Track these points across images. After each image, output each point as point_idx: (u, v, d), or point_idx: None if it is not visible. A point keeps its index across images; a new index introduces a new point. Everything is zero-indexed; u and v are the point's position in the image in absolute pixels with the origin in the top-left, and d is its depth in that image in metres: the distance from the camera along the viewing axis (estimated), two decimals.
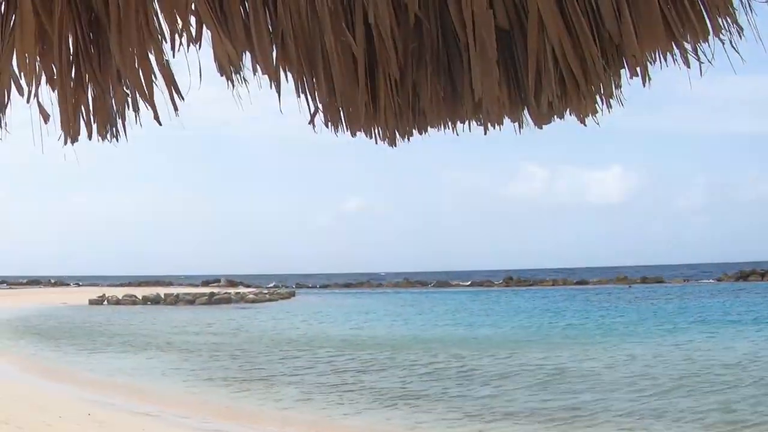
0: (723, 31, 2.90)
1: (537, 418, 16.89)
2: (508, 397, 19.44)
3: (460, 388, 21.02)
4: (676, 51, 3.01)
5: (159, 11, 3.08)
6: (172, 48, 3.15)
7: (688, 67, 3.01)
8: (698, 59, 2.99)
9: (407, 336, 37.46)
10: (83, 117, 3.31)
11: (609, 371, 23.62)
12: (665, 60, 3.08)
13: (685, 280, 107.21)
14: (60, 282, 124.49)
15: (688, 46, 2.97)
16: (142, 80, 3.17)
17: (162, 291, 76.14)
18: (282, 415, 17.71)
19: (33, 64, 3.04)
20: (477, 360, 26.96)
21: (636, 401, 18.58)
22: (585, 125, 3.38)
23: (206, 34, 3.13)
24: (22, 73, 3.07)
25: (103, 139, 3.39)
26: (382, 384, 21.95)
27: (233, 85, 3.28)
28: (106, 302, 68.26)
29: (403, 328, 42.82)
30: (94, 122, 3.33)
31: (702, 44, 2.96)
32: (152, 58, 3.18)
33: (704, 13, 2.90)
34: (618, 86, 3.29)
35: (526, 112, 3.44)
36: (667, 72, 3.10)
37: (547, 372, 23.51)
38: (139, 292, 76.66)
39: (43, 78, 3.16)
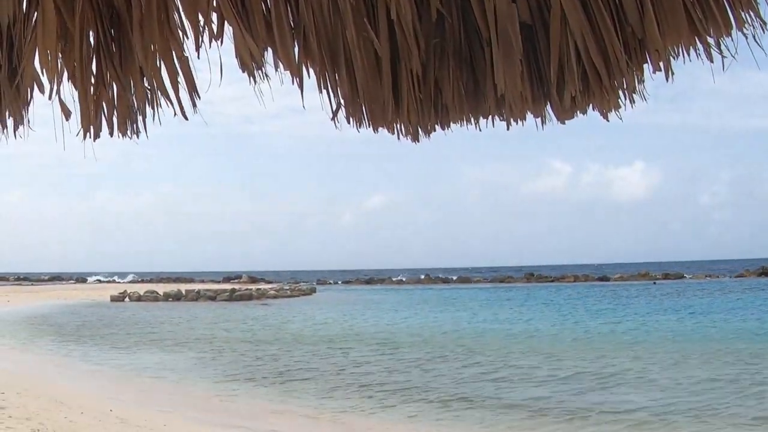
0: (746, 25, 2.88)
1: (601, 419, 16.67)
2: (565, 399, 18.97)
3: (514, 389, 20.55)
4: (699, 45, 2.99)
5: (180, 8, 3.08)
6: (197, 47, 3.15)
7: (711, 61, 2.99)
8: (721, 54, 2.97)
9: (444, 333, 36.89)
10: (104, 114, 3.32)
11: (663, 372, 23.01)
12: (688, 54, 3.06)
13: (706, 276, 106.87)
14: (81, 278, 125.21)
15: (711, 41, 2.96)
16: (165, 77, 3.18)
17: (183, 287, 76.39)
18: (316, 415, 17.55)
19: (55, 61, 3.05)
20: (524, 360, 26.36)
21: (698, 403, 18.10)
22: (608, 120, 3.37)
23: (228, 31, 3.13)
24: (44, 70, 3.08)
25: (123, 136, 3.40)
26: (434, 385, 21.34)
27: (255, 82, 3.28)
28: (127, 299, 68.49)
29: (437, 325, 41.99)
30: (115, 119, 3.35)
31: (725, 38, 2.94)
32: (173, 55, 3.18)
33: (727, 7, 2.88)
34: (641, 81, 3.27)
35: (548, 107, 3.43)
36: (691, 67, 3.08)
37: (599, 372, 22.97)
38: (160, 288, 76.97)
39: (65, 75, 3.17)
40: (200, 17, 3.10)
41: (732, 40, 2.92)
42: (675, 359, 25.56)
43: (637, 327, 37.70)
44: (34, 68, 3.10)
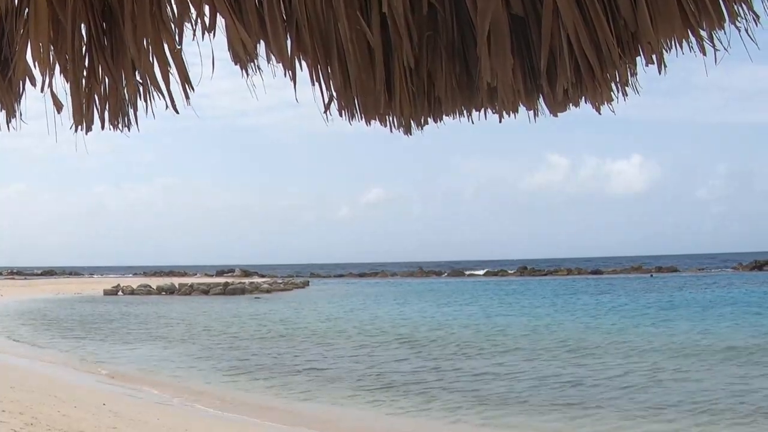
0: (739, 18, 2.87)
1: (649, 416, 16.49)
2: (613, 398, 18.46)
3: (555, 388, 19.86)
4: (692, 38, 2.99)
5: (172, 0, 3.08)
6: (180, 39, 3.14)
7: (704, 54, 2.98)
8: (714, 47, 2.97)
9: (459, 328, 35.97)
10: (96, 107, 3.32)
11: (706, 372, 22.20)
12: (681, 48, 3.05)
13: (700, 269, 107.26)
14: (75, 272, 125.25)
15: (704, 34, 2.95)
16: (157, 70, 3.18)
17: (176, 281, 76.52)
18: (320, 415, 17.41)
19: (47, 54, 3.04)
20: (557, 357, 25.59)
21: (750, 404, 17.66)
22: (600, 113, 3.37)
23: (220, 24, 3.12)
24: (36, 63, 3.07)
25: (114, 129, 3.40)
26: (475, 388, 20.21)
27: (248, 75, 3.28)
28: (120, 292, 68.64)
29: (447, 319, 41.05)
30: (106, 112, 3.34)
31: (718, 31, 2.93)
32: (166, 48, 3.18)
33: (720, 0, 2.87)
34: (634, 74, 3.27)
35: (541, 100, 3.42)
36: (685, 61, 3.08)
37: (637, 370, 22.34)
38: (154, 282, 77.05)
39: (57, 68, 3.17)
40: (192, 9, 3.09)
41: (725, 33, 2.92)
42: (715, 358, 24.74)
43: (654, 323, 36.67)
44: (26, 61, 3.09)
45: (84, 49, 3.15)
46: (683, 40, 3.00)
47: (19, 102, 3.36)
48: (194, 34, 3.13)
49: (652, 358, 24.66)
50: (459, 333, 33.68)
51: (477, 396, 18.97)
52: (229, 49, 3.20)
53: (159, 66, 3.18)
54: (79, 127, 3.32)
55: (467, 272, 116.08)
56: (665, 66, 3.12)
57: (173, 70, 3.20)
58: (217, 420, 15.91)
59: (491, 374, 22.18)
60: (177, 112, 3.24)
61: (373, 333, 33.90)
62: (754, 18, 2.86)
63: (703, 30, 2.93)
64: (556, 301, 53.68)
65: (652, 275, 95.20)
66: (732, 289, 61.43)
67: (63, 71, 3.18)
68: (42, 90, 3.18)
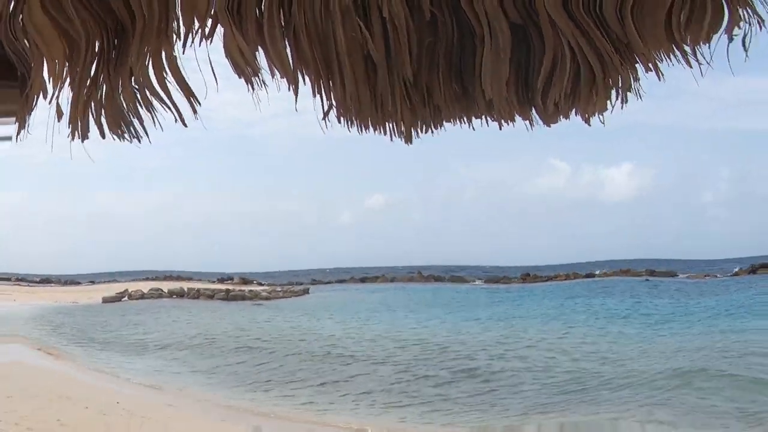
0: (720, 34, 2.98)
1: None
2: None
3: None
4: (678, 53, 3.09)
5: (180, 18, 3.16)
6: (184, 49, 3.24)
7: (690, 67, 3.10)
8: (697, 61, 3.07)
9: (480, 335, 34.69)
10: (92, 112, 3.38)
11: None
12: (670, 60, 3.15)
13: (706, 276, 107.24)
14: (72, 281, 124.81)
15: (688, 48, 3.06)
16: (167, 84, 3.27)
17: (185, 285, 77.66)
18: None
19: (61, 69, 3.14)
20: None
21: None
22: (590, 125, 3.45)
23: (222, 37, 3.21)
24: (50, 78, 3.17)
25: (121, 139, 3.47)
26: (508, 396, 19.68)
27: (253, 89, 3.34)
28: (127, 297, 69.26)
29: (466, 326, 39.29)
30: (110, 121, 3.40)
31: (701, 46, 3.04)
32: (169, 61, 3.26)
33: (704, 18, 2.96)
34: (636, 79, 3.35)
35: (534, 111, 3.50)
36: (679, 70, 3.18)
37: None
38: (165, 285, 77.80)
39: (68, 81, 3.25)
40: (196, 22, 3.17)
41: (709, 47, 3.03)
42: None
43: (672, 330, 35.78)
44: (42, 77, 3.18)
45: (94, 63, 3.24)
46: (670, 54, 3.11)
47: (31, 115, 3.45)
48: (198, 42, 3.22)
49: (680, 365, 24.11)
50: (482, 340, 32.70)
51: (517, 405, 18.61)
52: (227, 58, 3.28)
53: (158, 81, 3.27)
54: (76, 134, 3.38)
55: (469, 279, 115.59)
56: (662, 74, 3.21)
57: (179, 86, 3.29)
58: (228, 426, 15.93)
59: (524, 382, 21.73)
60: (185, 125, 3.33)
61: (393, 341, 32.99)
62: (729, 36, 2.97)
63: (687, 45, 3.04)
64: (567, 306, 53.14)
65: (647, 279, 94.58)
66: (736, 294, 61.19)
67: (71, 84, 3.26)
68: (49, 102, 3.26)
